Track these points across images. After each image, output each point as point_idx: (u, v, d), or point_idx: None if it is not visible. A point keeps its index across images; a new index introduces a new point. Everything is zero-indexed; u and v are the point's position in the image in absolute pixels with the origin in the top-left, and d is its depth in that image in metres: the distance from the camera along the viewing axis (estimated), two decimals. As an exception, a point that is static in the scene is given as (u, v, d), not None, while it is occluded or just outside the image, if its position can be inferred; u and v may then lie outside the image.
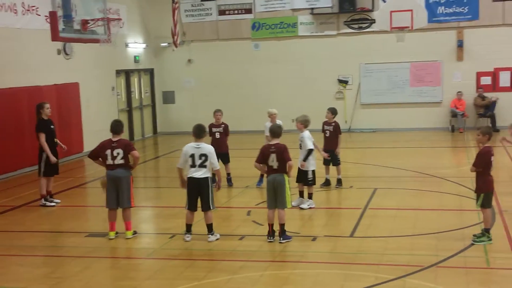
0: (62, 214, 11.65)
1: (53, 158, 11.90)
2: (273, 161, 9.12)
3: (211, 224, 9.36)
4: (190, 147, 9.24)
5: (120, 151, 9.47)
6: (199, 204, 9.36)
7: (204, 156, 9.13)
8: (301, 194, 11.30)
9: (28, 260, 8.86)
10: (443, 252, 8.37)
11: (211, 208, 9.29)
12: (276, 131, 9.35)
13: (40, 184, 12.16)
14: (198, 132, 9.31)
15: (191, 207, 9.33)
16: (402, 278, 7.46)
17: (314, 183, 11.25)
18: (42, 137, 11.90)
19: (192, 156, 9.15)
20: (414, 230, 9.55)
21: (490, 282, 7.39)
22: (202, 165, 9.14)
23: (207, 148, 9.24)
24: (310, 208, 11.07)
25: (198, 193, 9.24)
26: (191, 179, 9.22)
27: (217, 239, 9.34)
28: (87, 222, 11.23)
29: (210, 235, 9.33)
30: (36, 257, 9.02)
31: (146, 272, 8.17)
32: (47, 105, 12.17)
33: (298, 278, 7.79)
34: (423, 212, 10.71)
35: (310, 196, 11.19)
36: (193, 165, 9.16)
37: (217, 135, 13.18)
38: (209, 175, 9.24)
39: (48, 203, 12.09)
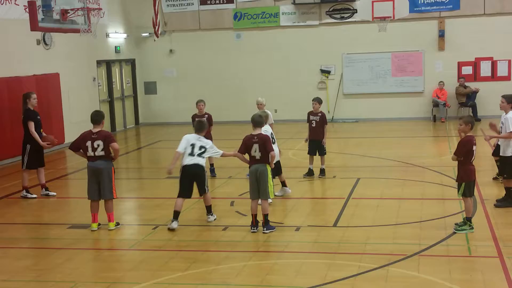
0: (44, 206, 11.55)
1: (43, 143, 11.74)
2: (255, 151, 9.11)
3: (210, 205, 9.71)
4: (193, 136, 9.50)
5: (100, 142, 9.41)
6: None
7: (204, 149, 9.41)
8: (283, 184, 11.30)
9: (10, 252, 8.79)
10: (425, 240, 8.43)
11: (207, 191, 9.57)
12: (257, 121, 9.34)
13: (22, 175, 12.01)
14: (200, 127, 9.61)
15: (185, 194, 9.48)
16: (385, 267, 7.50)
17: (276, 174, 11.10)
18: (31, 126, 11.71)
19: (193, 145, 9.40)
20: (397, 219, 9.60)
21: (472, 270, 7.45)
22: (200, 155, 9.39)
23: (207, 142, 9.56)
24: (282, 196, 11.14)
25: (193, 180, 9.46)
26: (186, 167, 9.36)
27: (215, 219, 9.71)
28: (69, 213, 11.14)
29: (209, 216, 9.72)
30: (18, 249, 8.93)
31: (129, 264, 8.13)
32: (34, 95, 11.99)
33: (281, 268, 7.80)
34: (405, 201, 10.77)
35: (283, 185, 11.25)
36: (191, 154, 9.38)
37: None
38: (204, 164, 9.49)
39: (29, 195, 11.96)
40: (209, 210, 9.77)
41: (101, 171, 9.45)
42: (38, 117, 11.97)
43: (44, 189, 12.10)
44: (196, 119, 13.10)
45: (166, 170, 9.68)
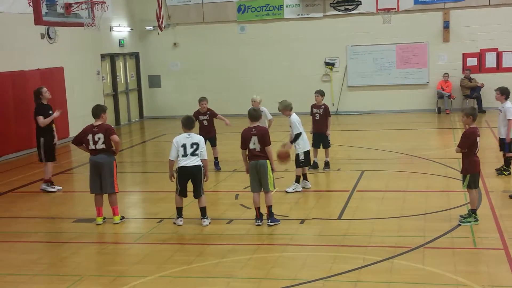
0: (50, 200, 11.57)
1: (56, 114, 11.83)
2: (254, 143, 9.09)
3: (205, 207, 9.36)
4: (182, 137, 9.24)
5: (101, 135, 9.43)
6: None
7: (196, 145, 9.17)
8: (297, 179, 11.18)
9: (15, 246, 8.82)
10: (430, 233, 8.42)
11: (202, 194, 9.29)
12: (253, 115, 9.32)
13: (45, 168, 11.94)
14: (189, 124, 9.35)
15: (182, 193, 9.31)
16: (390, 260, 7.49)
17: (306, 165, 11.24)
18: (40, 118, 11.71)
19: (184, 146, 9.16)
20: (401, 211, 9.59)
21: (477, 262, 7.45)
22: (193, 154, 9.15)
23: (197, 137, 9.32)
24: (295, 191, 11.04)
25: (191, 180, 9.23)
26: (183, 168, 9.16)
27: (209, 223, 9.35)
28: (74, 207, 11.15)
29: (204, 219, 9.33)
30: (23, 243, 8.96)
31: (134, 257, 8.15)
32: (45, 89, 11.99)
33: (286, 261, 7.80)
34: (410, 194, 10.76)
35: (297, 180, 11.15)
36: (184, 155, 9.14)
37: (205, 123, 13.20)
38: (201, 163, 9.22)
39: (49, 189, 11.95)
40: (203, 213, 9.35)
41: (103, 165, 9.46)
42: (50, 112, 11.93)
43: (47, 184, 12.07)
44: (200, 116, 13.13)
45: (169, 177, 9.48)
